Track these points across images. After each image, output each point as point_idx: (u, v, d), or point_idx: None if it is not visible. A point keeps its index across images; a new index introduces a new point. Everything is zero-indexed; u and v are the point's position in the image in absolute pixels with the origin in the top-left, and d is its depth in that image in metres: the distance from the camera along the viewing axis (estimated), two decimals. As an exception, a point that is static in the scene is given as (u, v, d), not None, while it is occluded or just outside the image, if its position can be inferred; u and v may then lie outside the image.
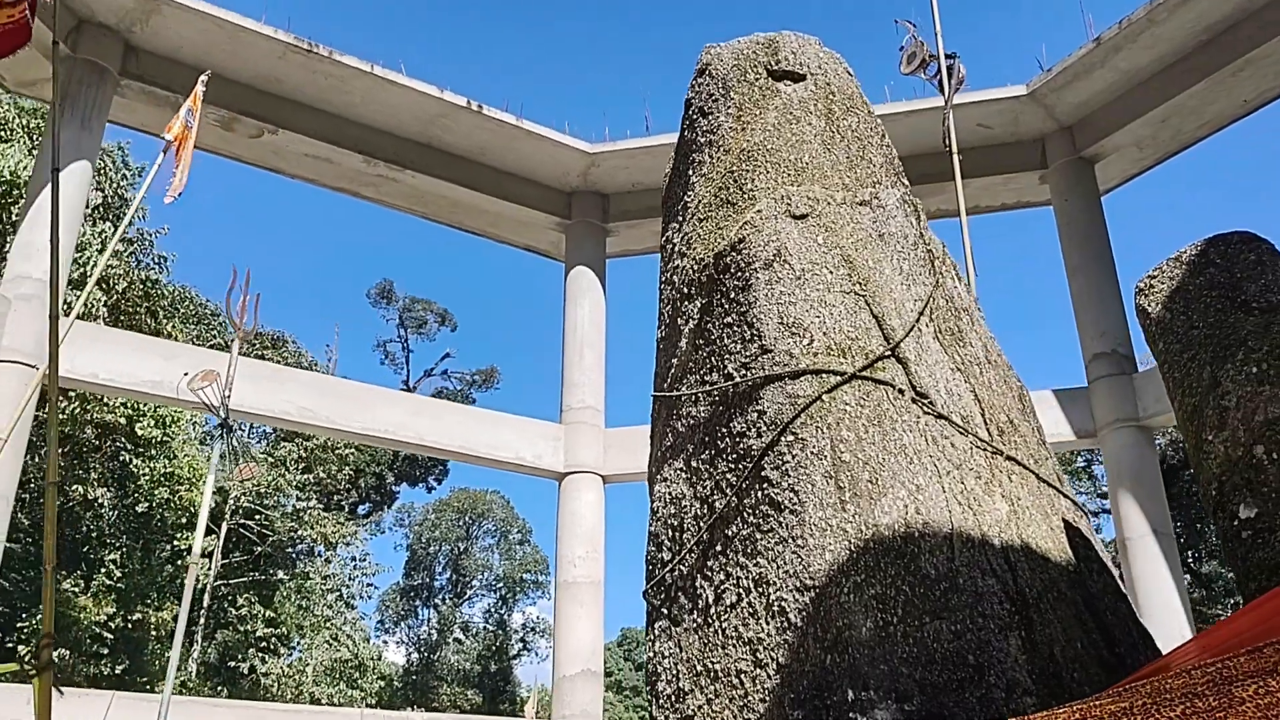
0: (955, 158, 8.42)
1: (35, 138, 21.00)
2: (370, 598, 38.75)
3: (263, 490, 31.88)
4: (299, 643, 33.32)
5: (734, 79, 5.53)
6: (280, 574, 32.90)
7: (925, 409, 4.19)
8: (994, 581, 3.83)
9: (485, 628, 46.70)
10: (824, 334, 4.31)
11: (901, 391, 4.19)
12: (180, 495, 27.10)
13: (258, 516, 32.23)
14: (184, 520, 27.88)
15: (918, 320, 4.53)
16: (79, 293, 21.41)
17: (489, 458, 14.66)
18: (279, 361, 36.23)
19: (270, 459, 32.30)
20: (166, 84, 14.63)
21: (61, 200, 12.37)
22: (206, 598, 30.40)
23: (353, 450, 34.98)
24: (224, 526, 31.07)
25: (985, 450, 4.27)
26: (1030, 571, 3.96)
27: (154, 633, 26.76)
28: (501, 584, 46.66)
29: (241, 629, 30.32)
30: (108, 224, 25.42)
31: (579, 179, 17.15)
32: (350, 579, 36.06)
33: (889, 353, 4.28)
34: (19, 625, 23.21)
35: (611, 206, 17.51)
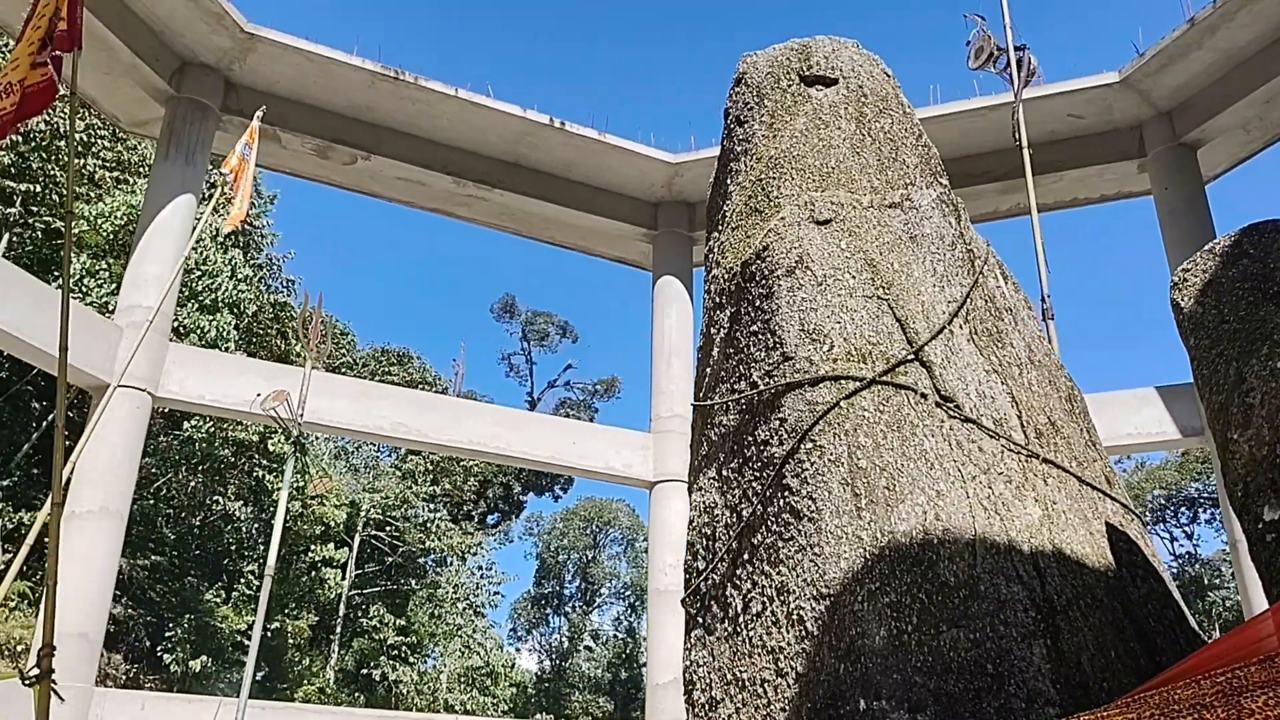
0: (1026, 153, 8.20)
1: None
2: (497, 606, 39.58)
3: (392, 502, 32.99)
4: (432, 650, 34.29)
5: (768, 86, 5.54)
6: (411, 583, 33.95)
7: (951, 413, 4.12)
8: (1019, 588, 3.74)
9: (615, 635, 47.10)
10: (844, 340, 4.28)
11: (924, 396, 4.13)
12: (312, 509, 28.29)
13: (388, 528, 33.35)
14: (318, 532, 29.09)
15: (950, 322, 4.45)
16: (212, 318, 22.53)
17: (579, 467, 14.85)
18: (403, 377, 37.52)
19: (399, 471, 33.31)
20: (267, 118, 15.26)
21: (168, 232, 13.08)
22: (342, 607, 31.55)
23: (479, 461, 35.83)
24: (356, 538, 32.23)
25: (1019, 454, 4.17)
26: (1061, 578, 3.85)
27: (291, 640, 27.86)
28: (630, 591, 47.01)
29: (375, 638, 31.32)
30: (238, 250, 26.71)
31: (664, 189, 17.24)
32: (478, 588, 36.88)
33: (912, 356, 4.23)
34: (166, 635, 24.41)
35: (697, 215, 17.55)
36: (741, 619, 4.26)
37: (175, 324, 22.05)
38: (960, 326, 4.47)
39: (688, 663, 4.62)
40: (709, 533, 4.73)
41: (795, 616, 3.95)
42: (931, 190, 5.04)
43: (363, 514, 32.33)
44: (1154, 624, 4.00)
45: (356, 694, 31.09)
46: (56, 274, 20.03)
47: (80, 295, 19.86)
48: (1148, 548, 4.47)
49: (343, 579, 30.84)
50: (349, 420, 13.09)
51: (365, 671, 31.24)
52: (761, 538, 4.26)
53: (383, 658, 31.08)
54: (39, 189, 22.12)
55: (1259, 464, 3.45)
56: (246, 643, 25.29)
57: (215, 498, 26.39)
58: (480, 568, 37.94)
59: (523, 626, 47.15)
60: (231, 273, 25.05)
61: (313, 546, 29.10)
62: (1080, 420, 4.89)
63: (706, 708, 4.37)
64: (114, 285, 19.12)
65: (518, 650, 45.82)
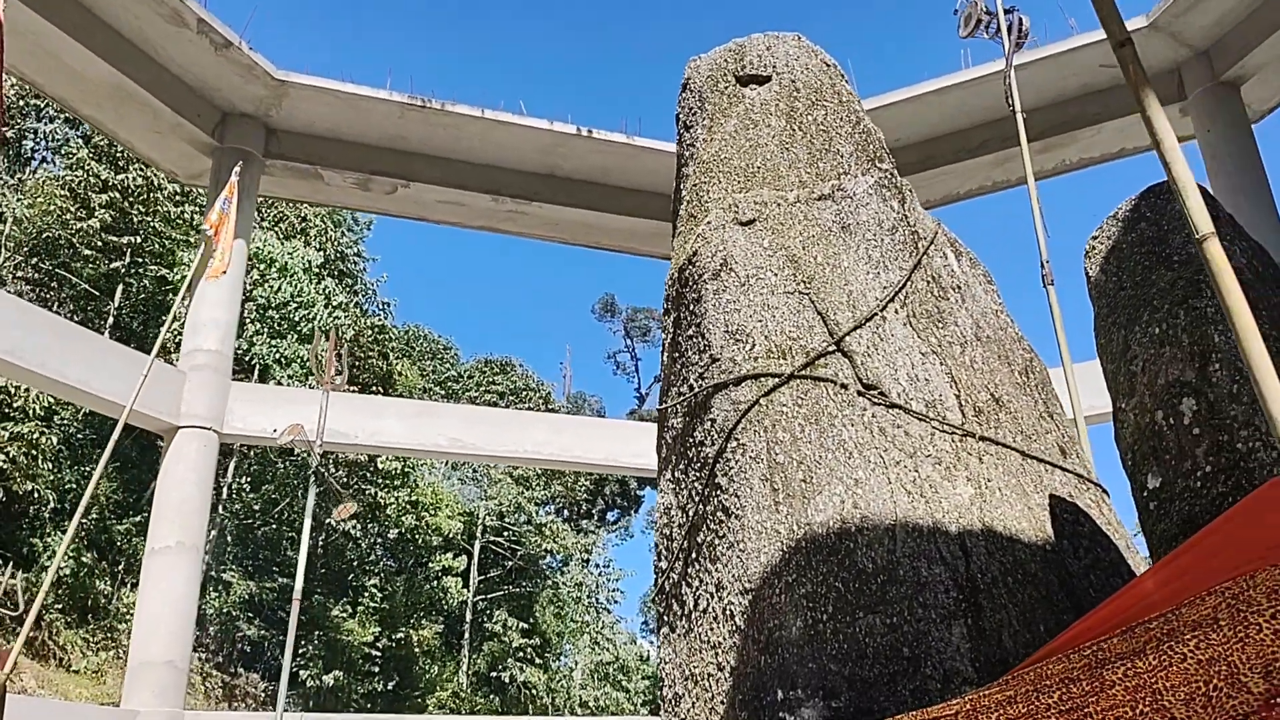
0: (1019, 117, 8.07)
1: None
2: (619, 603, 40.24)
3: (507, 509, 33.89)
4: (562, 649, 35.08)
5: (708, 90, 5.63)
6: (534, 586, 34.78)
7: (874, 400, 4.18)
8: (941, 569, 3.80)
9: (743, 616, 47.04)
10: (765, 338, 4.37)
11: (845, 386, 4.19)
12: (425, 521, 29.25)
13: (505, 534, 34.25)
14: (435, 543, 30.05)
15: (882, 309, 4.50)
16: (301, 347, 23.42)
17: (632, 466, 15.04)
18: (507, 386, 38.35)
19: (511, 477, 34.15)
20: (306, 158, 15.88)
21: (221, 278, 13.66)
22: (468, 613, 32.48)
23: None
24: (476, 546, 33.16)
25: (953, 434, 4.21)
26: (989, 555, 3.90)
27: (418, 650, 28.81)
28: (750, 571, 46.86)
29: (502, 641, 32.15)
30: (331, 280, 27.77)
31: (702, 184, 17.21)
32: (597, 586, 37.51)
33: (833, 348, 4.29)
34: (299, 650, 25.48)
35: (737, 206, 17.51)
36: (693, 616, 4.39)
37: (276, 356, 23.12)
38: (896, 311, 4.51)
39: (658, 660, 4.77)
40: (668, 533, 4.86)
41: (728, 612, 4.07)
42: (869, 176, 5.06)
43: (480, 522, 33.27)
44: (1095, 594, 4.00)
45: (490, 696, 31.94)
46: (164, 317, 21.08)
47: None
48: (1103, 516, 4.45)
49: (464, 586, 31.75)
50: (404, 440, 13.56)
51: (495, 674, 32.03)
52: (703, 536, 4.39)
53: (510, 660, 31.84)
54: (140, 240, 23.37)
55: (1142, 431, 3.46)
56: (374, 654, 26.32)
57: (329, 518, 27.48)
58: (597, 565, 38.58)
59: (654, 619, 47.30)
60: (326, 302, 26.05)
61: (432, 557, 30.10)
62: (1036, 392, 4.87)
63: (673, 703, 4.50)
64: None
65: (652, 643, 46.26)
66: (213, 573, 25.15)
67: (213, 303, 13.88)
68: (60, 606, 20.91)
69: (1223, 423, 3.04)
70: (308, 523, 9.04)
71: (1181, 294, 3.40)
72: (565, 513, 40.58)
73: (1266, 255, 3.75)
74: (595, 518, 40.72)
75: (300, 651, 25.37)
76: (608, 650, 34.55)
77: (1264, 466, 2.94)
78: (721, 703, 4.05)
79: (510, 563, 34.29)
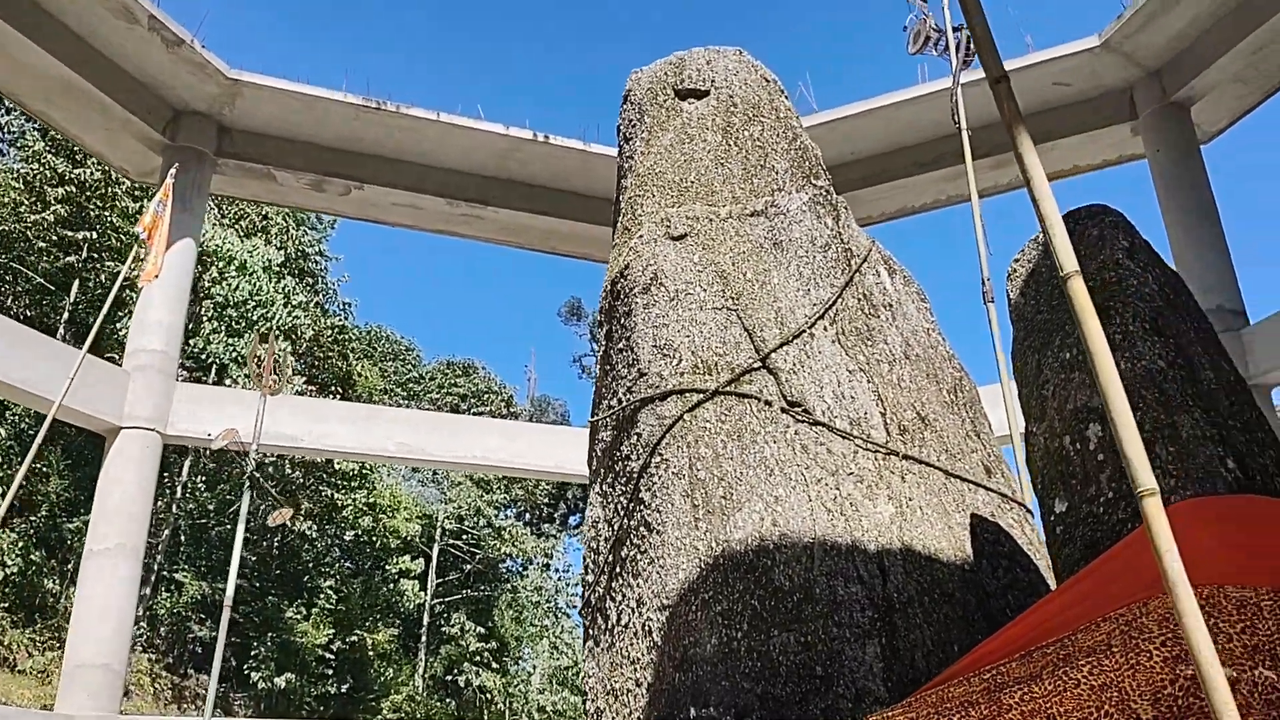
0: (965, 135, 8.16)
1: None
2: (579, 607, 40.26)
3: (466, 512, 33.75)
4: (520, 654, 34.95)
5: (647, 103, 5.62)
6: (493, 590, 34.67)
7: (798, 417, 4.19)
8: (858, 588, 3.81)
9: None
10: (692, 353, 4.37)
11: (769, 403, 4.20)
12: (383, 523, 29.06)
13: (464, 537, 34.09)
14: (393, 545, 29.86)
15: (810, 326, 4.51)
16: (271, 346, 23.18)
17: (584, 473, 14.84)
18: (469, 388, 38.19)
19: (471, 480, 34.02)
20: (259, 157, 15.73)
21: (170, 277, 13.49)
22: (425, 616, 32.29)
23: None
24: (435, 549, 32.99)
25: (876, 452, 4.23)
26: (906, 575, 3.91)
27: (373, 653, 28.62)
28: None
29: (460, 644, 32.00)
30: (291, 278, 27.50)
31: (661, 192, 17.25)
32: (557, 591, 37.47)
33: (758, 365, 4.30)
34: (252, 654, 25.22)
35: (696, 215, 17.56)
36: (615, 630, 4.38)
37: (233, 355, 22.89)
38: (825, 328, 4.52)
39: (583, 674, 4.75)
40: (595, 546, 4.85)
41: (647, 628, 4.07)
42: (803, 193, 5.07)
43: (439, 525, 33.15)
44: (1010, 614, 4.02)
45: (446, 700, 31.79)
46: (122, 315, 20.75)
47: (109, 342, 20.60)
48: (1024, 536, 4.48)
49: (422, 589, 31.59)
50: (351, 444, 13.44)
51: (451, 678, 31.89)
52: (627, 551, 4.38)
53: (467, 664, 31.71)
54: (97, 235, 23.02)
55: (1051, 456, 3.49)
56: (328, 657, 26.13)
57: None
58: (557, 570, 38.53)
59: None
60: (285, 301, 25.80)
61: (390, 560, 29.95)
62: (964, 411, 4.91)
63: (594, 718, 4.48)
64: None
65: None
66: (165, 573, 24.84)
67: (159, 303, 13.69)
68: (6, 606, 20.58)
69: (1125, 449, 3.06)
70: (241, 528, 8.94)
71: (1092, 319, 3.42)
72: (526, 516, 40.47)
73: (1180, 283, 3.80)
74: (557, 522, 40.66)
75: (252, 654, 25.13)
76: (566, 655, 34.50)
77: (1164, 494, 2.96)
78: (639, 719, 4.04)
79: (469, 566, 34.19)
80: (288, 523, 19.16)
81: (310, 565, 28.19)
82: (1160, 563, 1.51)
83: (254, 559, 26.85)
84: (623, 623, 4.29)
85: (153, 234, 7.86)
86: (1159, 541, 1.47)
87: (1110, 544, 3.01)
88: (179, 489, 25.07)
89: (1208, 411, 3.16)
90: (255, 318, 24.26)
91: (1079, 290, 1.63)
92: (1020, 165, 1.77)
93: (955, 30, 9.12)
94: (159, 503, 23.37)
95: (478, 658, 32.17)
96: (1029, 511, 4.64)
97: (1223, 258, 13.74)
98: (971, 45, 9.29)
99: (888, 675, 3.61)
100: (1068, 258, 1.65)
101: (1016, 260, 4.26)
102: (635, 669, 4.11)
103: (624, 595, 4.32)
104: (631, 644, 4.17)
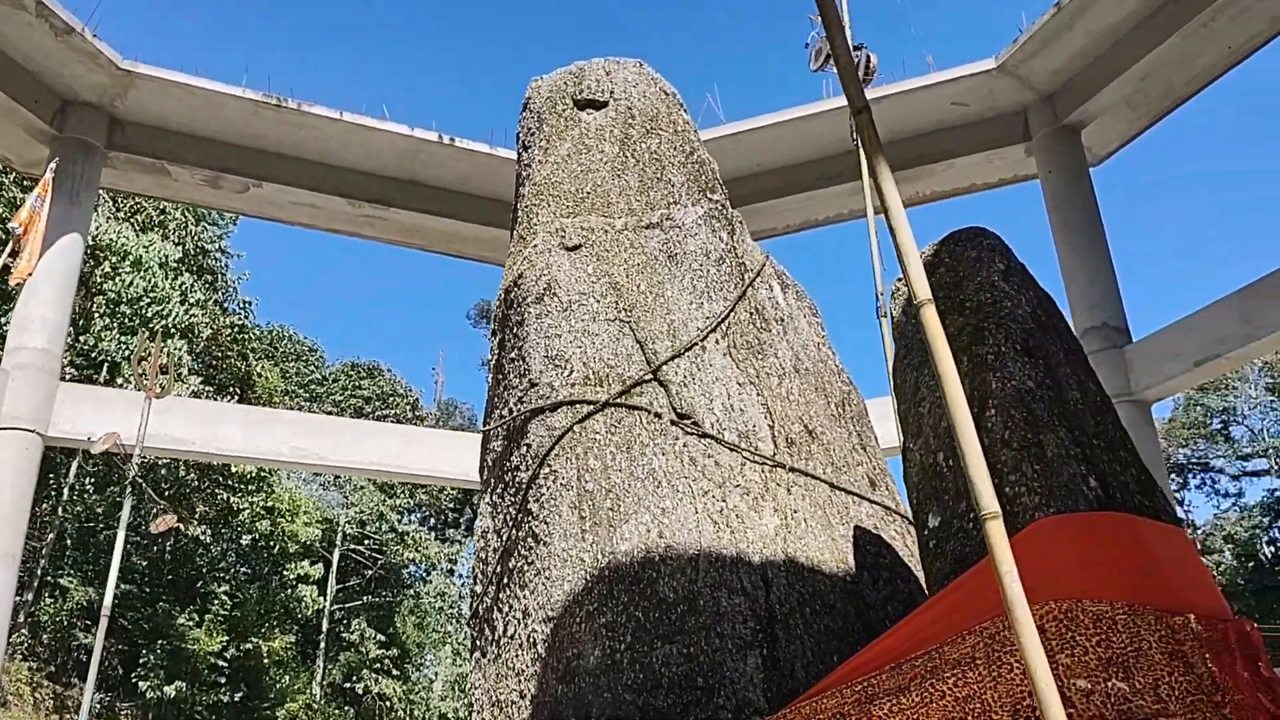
0: (862, 155, 8.32)
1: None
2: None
3: (369, 517, 33.15)
4: (422, 660, 34.46)
5: (546, 111, 5.60)
6: (395, 595, 34.14)
7: (687, 430, 4.21)
8: (741, 600, 3.83)
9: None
10: (584, 364, 4.36)
11: (659, 415, 4.21)
12: (282, 527, 28.34)
13: (366, 542, 33.49)
14: (292, 550, 29.14)
15: (702, 339, 4.54)
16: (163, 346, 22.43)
17: (486, 482, 14.77)
18: (374, 390, 37.51)
19: (374, 484, 33.44)
20: (154, 152, 15.23)
21: (53, 273, 12.98)
22: (324, 622, 31.62)
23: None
24: (335, 553, 32.33)
25: (763, 464, 4.27)
26: (788, 586, 3.96)
27: (268, 660, 27.91)
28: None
29: (360, 651, 31.45)
30: (189, 275, 26.62)
31: (567, 198, 17.23)
32: (460, 596, 37.13)
33: (649, 377, 4.31)
34: (140, 660, 24.37)
35: (603, 222, 17.58)
36: (501, 642, 4.35)
37: (126, 354, 22.07)
38: (717, 341, 4.56)
39: (469, 685, 4.70)
40: (484, 557, 4.81)
41: (532, 639, 4.05)
42: (699, 207, 5.10)
43: (340, 530, 32.57)
44: (890, 625, 4.09)
45: (345, 707, 31.24)
46: (8, 309, 19.87)
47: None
48: (906, 548, 4.58)
49: (321, 595, 30.99)
50: (244, 448, 13.08)
51: (350, 685, 31.38)
52: (515, 562, 4.35)
53: (366, 670, 31.23)
54: None
55: (926, 472, 3.57)
56: (222, 664, 25.42)
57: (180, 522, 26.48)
58: (462, 575, 38.17)
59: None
60: (182, 298, 25.01)
61: (288, 565, 29.27)
62: (851, 424, 5.00)
63: (480, 730, 4.45)
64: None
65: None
66: (49, 578, 23.91)
67: (43, 299, 13.13)
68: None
69: (994, 466, 3.15)
70: (122, 534, 8.65)
71: (967, 340, 3.52)
72: (431, 521, 40.03)
73: (1052, 304, 3.92)
74: (462, 527, 40.33)
75: (141, 662, 24.34)
76: (469, 662, 34.23)
77: (1028, 511, 3.07)
78: (522, 731, 4.02)
79: (371, 572, 33.69)
80: (179, 526, 18.60)
81: (204, 570, 27.41)
82: (1000, 583, 1.56)
83: (144, 564, 26.05)
84: (509, 634, 4.26)
85: (29, 229, 7.53)
86: (1000, 564, 1.52)
87: (979, 559, 3.09)
88: (65, 491, 24.13)
89: (1073, 431, 3.27)
90: (150, 315, 23.51)
91: (931, 318, 1.68)
92: (879, 194, 1.82)
93: (855, 50, 9.30)
94: (43, 506, 22.48)
95: (378, 664, 31.74)
96: (911, 523, 4.75)
97: (1108, 277, 14.27)
98: (871, 63, 9.52)
99: (768, 686, 3.65)
100: (921, 287, 1.70)
101: (900, 279, 4.36)
102: (520, 680, 4.09)
103: (511, 606, 4.29)
104: (517, 655, 4.15)
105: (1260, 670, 2.77)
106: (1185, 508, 40.27)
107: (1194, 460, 40.62)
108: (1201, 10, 13.32)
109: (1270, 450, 38.15)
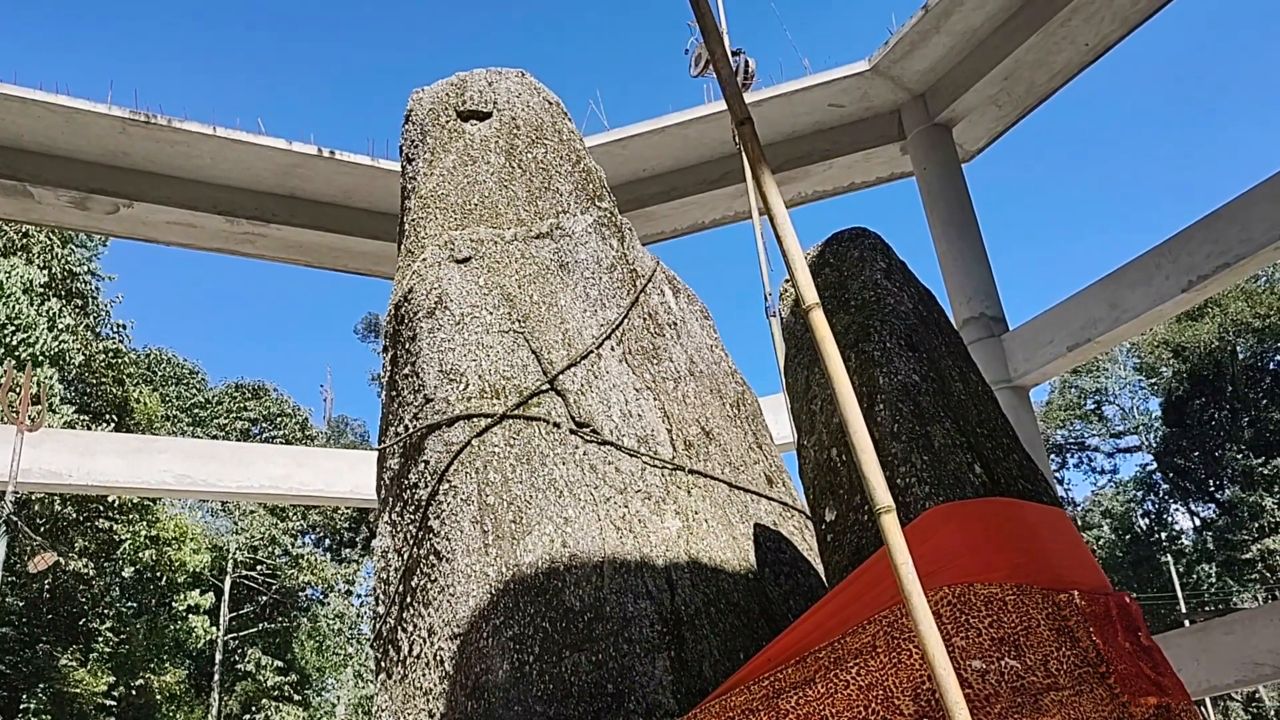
0: (744, 158, 8.46)
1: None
2: None
3: (260, 542, 32.26)
4: (323, 684, 33.69)
5: (429, 123, 5.55)
6: (291, 621, 33.31)
7: (587, 438, 4.22)
8: (647, 604, 3.86)
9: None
10: (479, 377, 4.34)
11: (558, 425, 4.21)
12: (168, 557, 27.34)
13: (259, 568, 32.54)
14: (180, 580, 28.13)
15: (598, 346, 4.55)
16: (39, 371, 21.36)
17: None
18: (260, 411, 36.42)
19: (265, 508, 32.51)
20: (12, 173, 14.57)
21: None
22: (218, 653, 30.62)
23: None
24: (226, 581, 31.34)
25: (663, 468, 4.30)
26: (693, 587, 3.99)
27: (160, 696, 26.90)
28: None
29: (256, 679, 30.59)
30: (57, 300, 25.42)
31: (454, 208, 17.09)
32: (359, 616, 36.38)
33: (546, 387, 4.31)
34: (21, 707, 23.22)
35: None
36: (407, 662, 4.29)
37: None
38: (612, 348, 4.58)
39: (376, 708, 4.63)
40: (385, 577, 4.74)
41: (439, 658, 4.01)
42: (588, 215, 5.13)
43: (230, 556, 31.64)
44: (792, 619, 4.18)
45: (247, 738, 30.45)
46: None
47: None
48: (805, 543, 4.68)
49: (213, 625, 30.08)
50: (123, 478, 12.60)
51: (249, 716, 30.54)
52: (417, 580, 4.30)
53: (265, 699, 30.43)
54: None
55: (820, 467, 3.66)
56: (109, 704, 24.38)
57: (59, 558, 25.25)
58: (360, 596, 37.50)
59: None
60: (50, 324, 23.92)
61: (177, 595, 28.32)
62: (746, 424, 5.08)
63: (389, 754, 4.38)
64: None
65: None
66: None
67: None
68: None
69: (884, 459, 3.25)
70: (-2, 577, 8.21)
71: (854, 338, 3.62)
72: (326, 542, 39.21)
73: (932, 300, 4.05)
74: (358, 546, 39.61)
75: (21, 707, 23.24)
76: (372, 683, 33.68)
77: (919, 501, 3.17)
78: (432, 752, 3.99)
79: (265, 597, 32.84)
80: (59, 561, 17.79)
81: (87, 607, 26.31)
82: (896, 574, 1.62)
83: (21, 604, 24.86)
84: (414, 653, 4.22)
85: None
86: (895, 555, 1.59)
87: (874, 550, 3.19)
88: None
89: (957, 421, 3.39)
90: (15, 343, 22.48)
91: (819, 322, 1.73)
92: (765, 202, 1.87)
93: (734, 55, 9.47)
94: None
95: (276, 692, 31.02)
96: (808, 518, 4.86)
97: (984, 268, 14.81)
98: (750, 68, 9.69)
99: (677, 688, 3.69)
100: (808, 291, 1.76)
101: (787, 280, 4.45)
102: (428, 700, 4.05)
103: (415, 625, 4.25)
104: (424, 674, 4.11)
105: (1140, 640, 2.93)
106: (1065, 486, 41.98)
107: (1071, 440, 42.39)
108: (1058, 12, 13.93)
109: (1140, 427, 40.04)
